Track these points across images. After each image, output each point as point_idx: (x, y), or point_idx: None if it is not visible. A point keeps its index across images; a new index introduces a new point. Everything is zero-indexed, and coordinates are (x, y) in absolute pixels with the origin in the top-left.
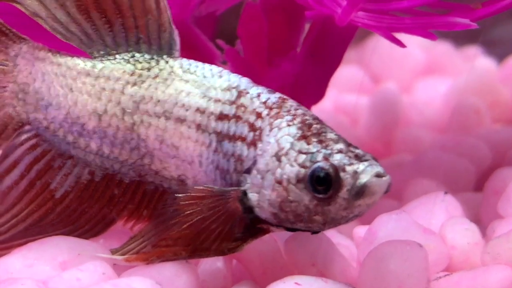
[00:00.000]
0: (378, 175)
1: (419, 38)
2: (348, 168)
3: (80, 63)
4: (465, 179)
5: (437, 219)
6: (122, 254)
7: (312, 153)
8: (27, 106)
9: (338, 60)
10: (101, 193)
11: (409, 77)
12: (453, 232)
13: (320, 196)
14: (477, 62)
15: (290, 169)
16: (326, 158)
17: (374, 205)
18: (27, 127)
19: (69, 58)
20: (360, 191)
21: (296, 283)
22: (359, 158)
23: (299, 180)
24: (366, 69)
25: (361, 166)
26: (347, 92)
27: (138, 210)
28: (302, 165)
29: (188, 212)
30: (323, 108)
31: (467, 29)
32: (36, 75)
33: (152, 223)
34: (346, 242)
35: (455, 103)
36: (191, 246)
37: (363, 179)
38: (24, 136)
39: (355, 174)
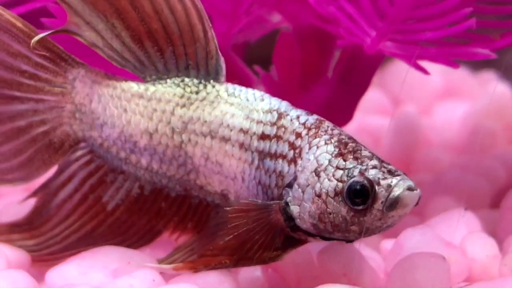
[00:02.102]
0: (410, 189)
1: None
2: (383, 182)
3: (134, 86)
4: (481, 197)
5: (457, 234)
6: (169, 264)
7: (349, 168)
8: (83, 125)
9: (366, 85)
10: (149, 206)
11: (428, 101)
12: (473, 245)
13: (357, 208)
14: (493, 87)
15: (329, 184)
16: (361, 173)
17: (405, 216)
18: (82, 144)
19: (123, 81)
20: (394, 203)
21: None
22: (392, 173)
23: (337, 193)
24: (387, 92)
25: (394, 180)
26: (370, 114)
27: (183, 223)
28: (339, 180)
29: (235, 223)
30: (348, 129)
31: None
32: (93, 97)
33: (197, 235)
34: (373, 254)
35: (472, 126)
36: (235, 256)
37: (396, 192)
38: (79, 153)
39: (389, 187)
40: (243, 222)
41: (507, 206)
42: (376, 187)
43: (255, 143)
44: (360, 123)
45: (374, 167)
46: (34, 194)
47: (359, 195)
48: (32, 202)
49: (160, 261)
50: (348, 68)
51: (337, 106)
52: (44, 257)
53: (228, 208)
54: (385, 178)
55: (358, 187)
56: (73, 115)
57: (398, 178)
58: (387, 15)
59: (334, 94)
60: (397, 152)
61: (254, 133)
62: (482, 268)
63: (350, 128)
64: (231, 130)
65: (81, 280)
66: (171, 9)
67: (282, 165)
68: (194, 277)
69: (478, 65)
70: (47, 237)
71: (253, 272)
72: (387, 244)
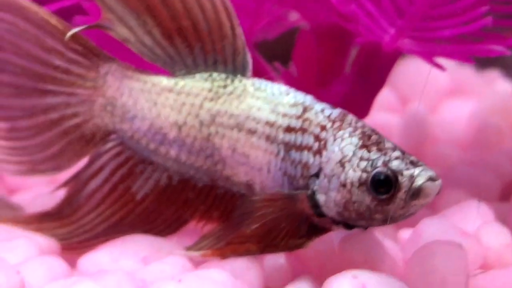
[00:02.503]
0: (432, 179)
1: (444, 62)
2: (405, 173)
3: (164, 80)
4: (490, 190)
5: (472, 224)
6: (197, 251)
7: (373, 159)
8: (114, 118)
9: (383, 81)
10: (177, 196)
11: (435, 99)
12: (487, 234)
13: (381, 197)
14: (498, 85)
15: (353, 174)
16: (385, 163)
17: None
18: (112, 136)
19: (153, 76)
20: (416, 193)
21: (353, 276)
22: (414, 164)
23: (361, 183)
24: (396, 90)
25: (416, 171)
26: (380, 111)
27: (209, 212)
28: (364, 170)
29: (262, 213)
30: None
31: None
32: (124, 91)
33: (223, 224)
34: (391, 244)
35: (478, 123)
36: (262, 243)
37: (419, 182)
38: (110, 144)
39: (412, 177)
40: (270, 211)
41: None
42: (399, 177)
43: (280, 135)
44: (371, 119)
45: (397, 158)
46: (64, 184)
47: (383, 185)
48: (61, 192)
49: (188, 249)
50: (366, 65)
51: (354, 102)
52: (74, 245)
53: (255, 198)
54: (408, 169)
55: (382, 177)
56: (104, 109)
57: (420, 168)
58: (406, 13)
59: (352, 90)
60: (407, 148)
61: (280, 126)
62: (497, 256)
63: None
64: (257, 123)
65: (113, 267)
66: (200, 7)
67: (307, 156)
68: (221, 264)
69: (483, 64)
70: (77, 225)
71: (277, 260)
72: (405, 233)
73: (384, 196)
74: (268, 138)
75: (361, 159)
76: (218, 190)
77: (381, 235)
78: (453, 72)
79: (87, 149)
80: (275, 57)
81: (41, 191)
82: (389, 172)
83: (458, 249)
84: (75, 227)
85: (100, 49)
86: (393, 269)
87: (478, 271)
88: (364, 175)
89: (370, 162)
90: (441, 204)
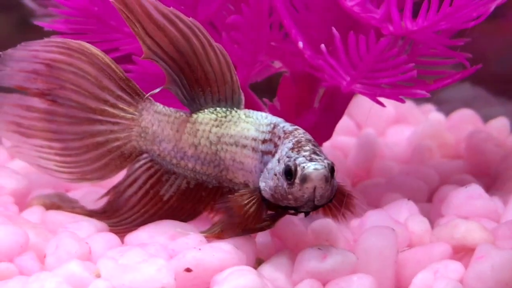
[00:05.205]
0: (316, 169)
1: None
2: (301, 165)
3: (183, 114)
4: (420, 195)
5: (403, 215)
6: (209, 233)
7: (291, 157)
8: (146, 141)
9: (342, 113)
10: (194, 196)
11: (383, 125)
12: (413, 223)
13: (288, 182)
14: (431, 115)
15: (280, 167)
16: (294, 160)
17: (318, 188)
18: (144, 155)
19: (175, 111)
20: (304, 179)
21: (318, 248)
22: (311, 160)
23: (281, 172)
24: (353, 118)
25: (308, 164)
26: (341, 135)
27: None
28: (284, 163)
29: (239, 203)
30: (325, 145)
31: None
32: (154, 122)
33: (225, 214)
34: (345, 229)
35: (415, 144)
36: (244, 227)
37: (305, 171)
38: (142, 161)
39: (303, 168)
40: (243, 203)
41: (437, 200)
42: (297, 168)
43: (260, 146)
44: (333, 141)
45: (303, 156)
46: (107, 193)
47: (289, 174)
48: (106, 198)
49: (203, 232)
50: (329, 101)
51: (321, 128)
52: (118, 231)
53: (230, 196)
54: (303, 163)
55: (287, 168)
56: (139, 135)
57: (313, 163)
58: (358, 66)
59: (319, 119)
60: (360, 163)
61: (260, 140)
62: (419, 238)
63: (327, 145)
64: (247, 139)
65: (150, 241)
66: (209, 62)
67: (268, 159)
68: (228, 240)
69: (421, 99)
70: (119, 219)
71: (265, 238)
72: (355, 222)
73: (289, 181)
74: (253, 149)
75: (287, 157)
76: (224, 189)
77: (338, 223)
78: (397, 105)
79: (125, 164)
80: (264, 94)
81: (89, 190)
82: (292, 165)
83: (391, 232)
84: (117, 221)
85: (140, 89)
86: (346, 246)
87: (405, 248)
88: (283, 167)
89: (289, 159)
90: (384, 203)
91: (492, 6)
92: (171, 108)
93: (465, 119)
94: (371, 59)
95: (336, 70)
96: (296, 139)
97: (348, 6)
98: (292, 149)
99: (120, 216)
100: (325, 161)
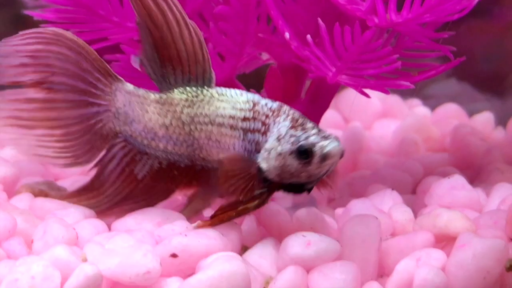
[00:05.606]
0: (335, 147)
1: (378, 92)
2: (317, 144)
3: (151, 95)
4: (405, 186)
5: (386, 205)
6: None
7: (298, 136)
8: (120, 122)
9: (327, 105)
10: (166, 175)
11: (370, 119)
12: (396, 212)
13: (303, 161)
14: (417, 109)
15: (286, 146)
16: (306, 139)
17: (334, 164)
18: (119, 135)
19: (145, 91)
20: (324, 157)
21: (303, 235)
22: (325, 138)
23: (291, 152)
24: (340, 112)
25: (325, 143)
26: (328, 127)
27: (190, 182)
28: (292, 143)
29: (227, 168)
30: None
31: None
32: (126, 102)
33: (200, 188)
34: (329, 218)
35: (401, 137)
36: (236, 209)
37: (325, 150)
38: (117, 140)
39: (322, 147)
40: (233, 167)
41: (420, 190)
42: (314, 148)
43: (239, 123)
44: None
45: (314, 134)
46: (93, 166)
47: (304, 153)
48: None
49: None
50: (315, 92)
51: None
52: (102, 211)
53: (222, 157)
54: (319, 141)
55: (302, 149)
56: (114, 116)
57: (328, 140)
58: (343, 57)
59: (306, 111)
60: (347, 156)
61: (239, 117)
62: (402, 227)
63: None
64: (223, 117)
65: (137, 227)
66: (183, 39)
67: (258, 137)
68: (214, 228)
69: (407, 93)
70: (104, 196)
71: (251, 225)
72: (339, 211)
73: (305, 161)
74: (231, 127)
75: (291, 136)
76: (196, 167)
77: (322, 212)
78: (384, 99)
79: (104, 145)
80: (251, 86)
81: (78, 178)
82: (307, 145)
83: (375, 220)
84: (102, 197)
85: (111, 70)
86: (330, 234)
87: (389, 236)
88: (292, 147)
89: (296, 138)
90: (369, 193)
91: (476, 0)
92: (141, 89)
93: (451, 114)
94: (356, 50)
95: (322, 61)
96: (289, 116)
97: None
98: (293, 127)
99: (104, 193)
100: (333, 136)
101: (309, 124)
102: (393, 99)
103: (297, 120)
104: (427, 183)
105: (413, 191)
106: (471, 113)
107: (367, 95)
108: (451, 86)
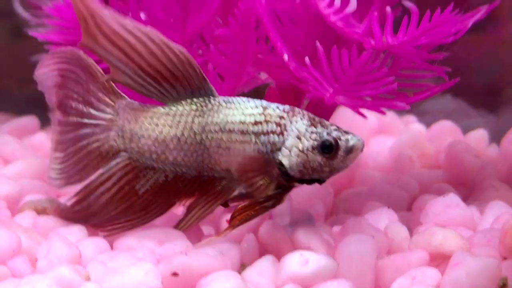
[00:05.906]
0: (358, 140)
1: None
2: (342, 138)
3: (161, 109)
4: (401, 203)
5: (383, 222)
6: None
7: (319, 132)
8: (124, 140)
9: None
10: (170, 188)
11: (366, 135)
12: (392, 231)
13: (327, 156)
14: (412, 126)
15: (308, 143)
16: (328, 134)
17: (356, 157)
18: (122, 153)
19: (151, 106)
20: (350, 150)
21: (300, 254)
22: (346, 133)
23: (313, 148)
24: None
25: (349, 136)
26: None
27: (192, 193)
28: (314, 140)
29: (246, 165)
30: None
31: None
32: (131, 119)
33: (201, 197)
34: (326, 235)
35: (397, 153)
36: (255, 208)
37: (351, 143)
38: (119, 159)
39: (347, 141)
40: (252, 165)
41: (416, 208)
42: (339, 142)
43: (250, 128)
44: None
45: (335, 129)
46: (79, 192)
47: (328, 148)
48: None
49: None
50: (313, 112)
51: None
52: (96, 225)
53: (241, 157)
54: (343, 135)
55: (327, 143)
56: (117, 134)
57: (351, 135)
58: (340, 79)
59: None
60: (344, 171)
61: (249, 122)
62: (398, 245)
63: None
64: (233, 124)
65: (138, 246)
66: (170, 61)
67: (273, 137)
68: (212, 245)
69: (403, 111)
70: (89, 216)
71: (250, 243)
72: (336, 229)
73: (328, 155)
74: (242, 132)
75: (311, 132)
76: (202, 178)
77: (320, 230)
78: (380, 116)
79: (102, 163)
80: None
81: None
82: (331, 139)
83: (371, 239)
84: (85, 217)
85: (115, 87)
86: (328, 252)
87: (385, 255)
88: (315, 143)
89: (318, 134)
90: (365, 211)
91: (470, 23)
92: (147, 104)
93: (445, 130)
94: (353, 72)
95: (320, 82)
96: (305, 115)
97: (331, 21)
98: (312, 125)
99: (92, 213)
100: (350, 131)
101: (327, 122)
102: (389, 116)
103: (314, 119)
104: (422, 201)
105: (408, 208)
106: (465, 130)
107: (363, 116)
108: (446, 102)
